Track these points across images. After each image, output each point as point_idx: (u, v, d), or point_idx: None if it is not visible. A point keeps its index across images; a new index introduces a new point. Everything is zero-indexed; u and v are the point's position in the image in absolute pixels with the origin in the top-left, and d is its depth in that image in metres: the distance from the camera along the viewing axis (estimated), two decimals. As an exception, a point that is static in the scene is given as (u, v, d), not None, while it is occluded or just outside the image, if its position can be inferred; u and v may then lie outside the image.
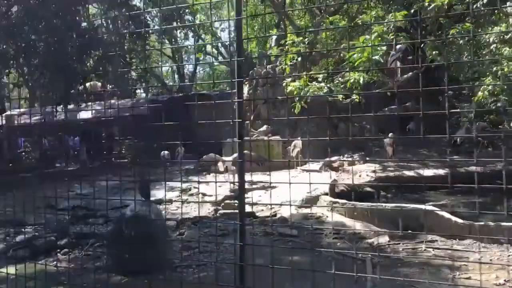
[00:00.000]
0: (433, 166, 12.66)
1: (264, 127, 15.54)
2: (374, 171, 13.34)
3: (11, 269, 5.01)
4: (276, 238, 7.81)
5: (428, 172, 12.14)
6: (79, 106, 14.29)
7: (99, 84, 19.16)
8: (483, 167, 12.50)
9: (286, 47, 13.47)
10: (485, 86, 11.05)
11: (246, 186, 11.17)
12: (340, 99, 11.62)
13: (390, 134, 13.98)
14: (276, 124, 16.15)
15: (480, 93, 11.03)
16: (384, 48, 10.27)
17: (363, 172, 12.91)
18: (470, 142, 15.75)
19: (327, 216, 9.08)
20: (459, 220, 7.46)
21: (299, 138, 14.03)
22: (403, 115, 18.66)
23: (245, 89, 18.03)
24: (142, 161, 16.11)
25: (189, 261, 6.63)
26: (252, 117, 16.76)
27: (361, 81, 10.42)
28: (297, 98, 11.39)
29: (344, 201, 9.07)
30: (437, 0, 9.96)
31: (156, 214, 6.55)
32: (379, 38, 10.34)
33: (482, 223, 7.30)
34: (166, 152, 16.20)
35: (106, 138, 27.54)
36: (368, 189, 11.23)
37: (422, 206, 7.76)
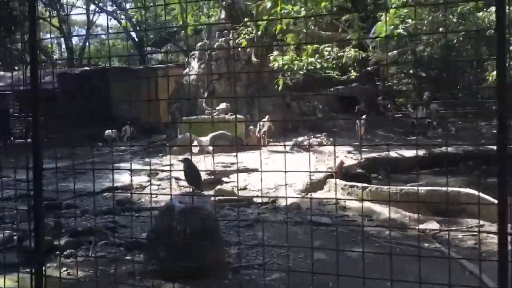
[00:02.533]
0: (404, 147, 12.57)
1: (223, 105, 14.41)
2: (349, 152, 12.98)
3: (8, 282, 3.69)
4: (315, 228, 6.94)
5: (408, 153, 12.01)
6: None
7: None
8: (455, 147, 12.70)
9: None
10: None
11: (227, 168, 9.98)
12: (336, 76, 10.94)
13: (363, 116, 13.68)
14: (232, 102, 15.05)
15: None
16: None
17: (340, 154, 12.43)
18: (421, 124, 16.04)
19: (344, 201, 8.36)
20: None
21: (267, 117, 13.14)
22: (349, 96, 18.54)
23: (195, 63, 16.64)
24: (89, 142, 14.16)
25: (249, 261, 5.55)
26: (206, 94, 15.49)
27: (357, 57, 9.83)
28: (280, 75, 10.46)
29: (364, 184, 8.43)
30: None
31: (206, 205, 5.32)
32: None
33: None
34: (111, 131, 14.39)
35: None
36: (359, 170, 10.75)
37: (462, 189, 7.35)
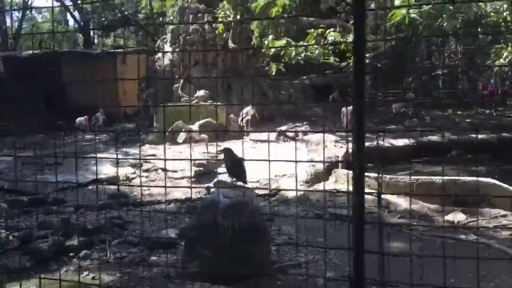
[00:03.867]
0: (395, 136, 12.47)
1: (202, 92, 13.73)
2: (336, 141, 12.71)
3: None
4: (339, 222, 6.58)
5: (399, 142, 11.92)
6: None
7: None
8: (442, 137, 12.76)
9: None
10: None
11: (212, 158, 9.39)
12: (333, 62, 10.58)
13: (350, 107, 13.40)
14: (209, 89, 14.41)
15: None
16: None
17: (329, 143, 12.15)
18: (399, 113, 16.08)
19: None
20: (523, 192, 7.12)
21: (251, 105, 12.65)
22: (323, 85, 18.33)
23: (168, 48, 15.82)
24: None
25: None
26: (182, 81, 14.74)
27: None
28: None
29: (375, 174, 8.14)
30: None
31: (252, 200, 4.82)
32: None
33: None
34: (82, 118, 13.38)
35: None
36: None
37: (483, 179, 7.22)
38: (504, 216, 6.82)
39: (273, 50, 9.70)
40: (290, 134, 12.98)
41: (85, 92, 18.61)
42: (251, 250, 4.60)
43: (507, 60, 8.55)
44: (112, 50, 23.58)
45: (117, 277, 4.76)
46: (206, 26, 15.22)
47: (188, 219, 6.54)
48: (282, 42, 9.80)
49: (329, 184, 8.53)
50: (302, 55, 9.76)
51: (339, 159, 8.97)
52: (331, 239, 5.84)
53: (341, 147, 11.93)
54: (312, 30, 9.73)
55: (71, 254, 5.17)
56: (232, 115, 13.63)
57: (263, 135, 13.24)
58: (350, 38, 9.81)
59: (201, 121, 10.69)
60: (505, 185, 7.15)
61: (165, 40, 16.07)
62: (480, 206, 7.20)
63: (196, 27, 14.89)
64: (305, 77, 17.72)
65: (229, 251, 4.52)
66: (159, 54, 15.83)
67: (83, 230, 5.74)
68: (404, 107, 15.34)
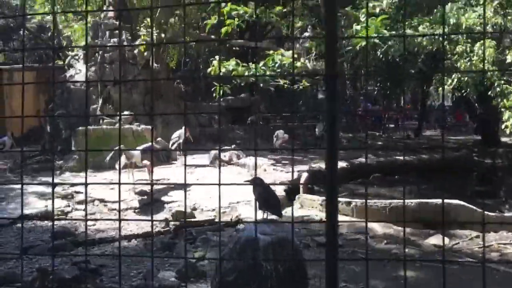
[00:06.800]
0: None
1: (125, 113, 12.67)
2: (273, 164, 12.46)
3: None
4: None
5: (340, 164, 11.98)
6: None
7: None
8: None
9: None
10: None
11: (160, 185, 8.84)
12: (284, 85, 10.28)
13: (280, 131, 13.32)
14: (130, 110, 13.36)
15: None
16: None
17: (267, 166, 11.86)
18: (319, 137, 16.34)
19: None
20: (490, 213, 7.43)
21: (183, 127, 11.93)
22: (240, 107, 18.14)
23: (82, 66, 14.48)
24: None
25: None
26: (100, 101, 13.50)
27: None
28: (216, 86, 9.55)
29: (347, 199, 8.01)
30: None
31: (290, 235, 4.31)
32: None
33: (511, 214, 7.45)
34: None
35: None
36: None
37: (452, 201, 7.40)
38: (477, 237, 7.04)
39: (223, 70, 9.22)
40: (225, 158, 12.48)
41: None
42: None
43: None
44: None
45: None
46: (126, 44, 14.20)
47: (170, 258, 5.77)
48: (232, 63, 9.39)
49: (296, 211, 8.19)
50: (254, 76, 9.42)
51: (300, 182, 8.70)
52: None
53: (281, 170, 11.72)
54: (272, 51, 9.48)
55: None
56: (159, 138, 12.77)
57: (196, 160, 12.57)
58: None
59: (143, 146, 9.76)
60: (471, 206, 7.43)
61: (76, 57, 14.68)
62: (452, 228, 7.39)
63: (113, 43, 13.81)
64: (222, 99, 17.35)
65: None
66: (71, 72, 14.40)
67: (59, 280, 4.72)
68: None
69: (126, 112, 12.67)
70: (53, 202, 7.56)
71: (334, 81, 1.39)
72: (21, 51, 12.30)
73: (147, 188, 9.23)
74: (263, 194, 4.17)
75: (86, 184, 2.45)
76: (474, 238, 6.95)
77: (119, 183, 2.38)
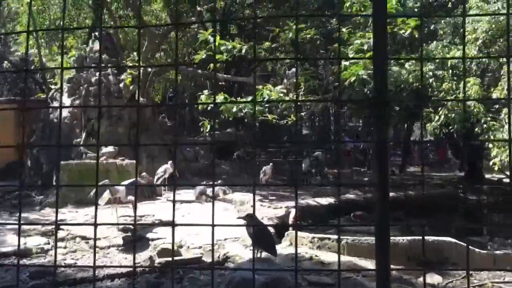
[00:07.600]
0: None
1: (110, 148, 12.44)
2: (260, 200, 12.27)
3: None
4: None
5: (323, 201, 11.87)
6: None
7: None
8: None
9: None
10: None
11: (143, 221, 8.65)
12: (273, 120, 10.21)
13: (267, 167, 13.20)
14: (115, 144, 13.14)
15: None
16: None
17: (255, 202, 11.65)
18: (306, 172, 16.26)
19: (316, 256, 7.60)
20: (482, 251, 7.32)
21: (169, 162, 11.75)
22: (233, 143, 18.07)
23: (66, 98, 14.30)
24: None
25: None
26: (84, 135, 13.27)
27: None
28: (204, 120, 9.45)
29: (335, 236, 7.84)
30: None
31: (285, 274, 4.13)
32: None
33: (502, 252, 7.35)
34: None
35: None
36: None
37: (444, 238, 7.29)
38: (471, 275, 6.90)
39: (211, 105, 9.15)
40: (211, 193, 12.26)
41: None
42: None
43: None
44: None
45: None
46: (111, 77, 14.12)
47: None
48: (220, 97, 9.33)
49: (286, 248, 7.97)
50: (244, 110, 9.36)
51: (290, 220, 8.53)
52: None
53: (269, 206, 11.54)
54: (261, 87, 9.47)
55: None
56: (144, 173, 12.52)
57: (181, 195, 12.33)
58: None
59: (129, 181, 9.53)
60: (463, 244, 7.31)
61: (59, 91, 14.50)
62: (445, 266, 7.25)
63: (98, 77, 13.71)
64: (207, 134, 17.27)
65: None
66: (55, 104, 14.18)
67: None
68: (311, 166, 15.66)
69: (110, 146, 12.43)
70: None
71: (385, 108, 1.28)
72: None
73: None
74: (258, 233, 4.00)
75: (56, 225, 2.26)
76: (463, 277, 6.82)
77: (95, 224, 2.17)
